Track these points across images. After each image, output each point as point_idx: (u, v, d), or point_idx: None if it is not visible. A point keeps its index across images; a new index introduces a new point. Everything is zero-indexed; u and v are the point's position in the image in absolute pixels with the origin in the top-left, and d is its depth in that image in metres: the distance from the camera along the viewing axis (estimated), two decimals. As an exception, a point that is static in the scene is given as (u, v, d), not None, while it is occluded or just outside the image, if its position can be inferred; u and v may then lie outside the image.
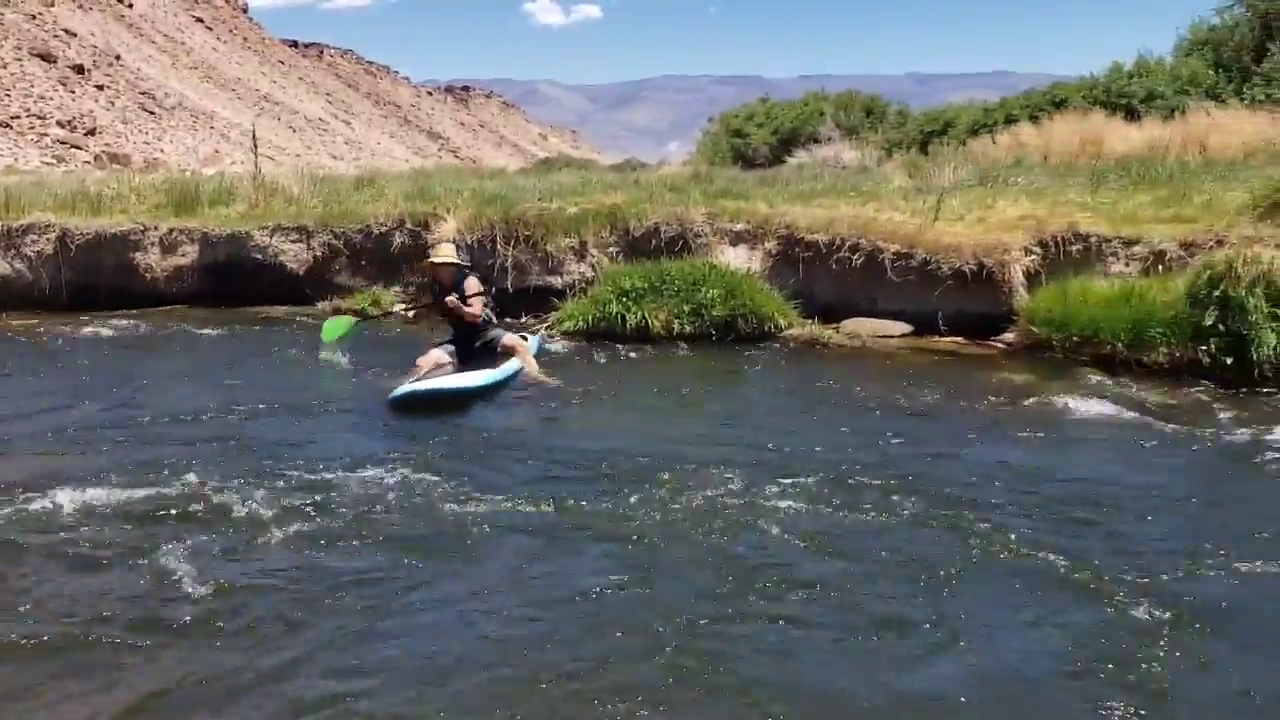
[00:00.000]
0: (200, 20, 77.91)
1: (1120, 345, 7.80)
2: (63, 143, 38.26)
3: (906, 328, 9.49)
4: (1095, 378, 7.47)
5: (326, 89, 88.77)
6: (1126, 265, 9.05)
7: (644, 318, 9.14)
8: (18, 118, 39.07)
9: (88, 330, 9.58)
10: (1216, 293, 7.45)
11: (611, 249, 10.62)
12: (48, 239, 11.34)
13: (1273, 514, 4.75)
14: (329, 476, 5.02)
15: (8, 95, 40.40)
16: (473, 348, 7.54)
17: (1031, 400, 6.94)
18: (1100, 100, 18.40)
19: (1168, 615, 3.62)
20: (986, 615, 3.68)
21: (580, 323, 9.35)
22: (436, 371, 7.14)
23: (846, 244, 9.81)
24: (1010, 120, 19.52)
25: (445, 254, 7.66)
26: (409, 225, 11.30)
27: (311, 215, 11.71)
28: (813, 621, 3.61)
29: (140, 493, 4.71)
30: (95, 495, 4.64)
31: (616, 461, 5.37)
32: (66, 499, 4.58)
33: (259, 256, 11.42)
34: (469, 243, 10.57)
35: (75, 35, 53.11)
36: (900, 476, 5.13)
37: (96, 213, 11.77)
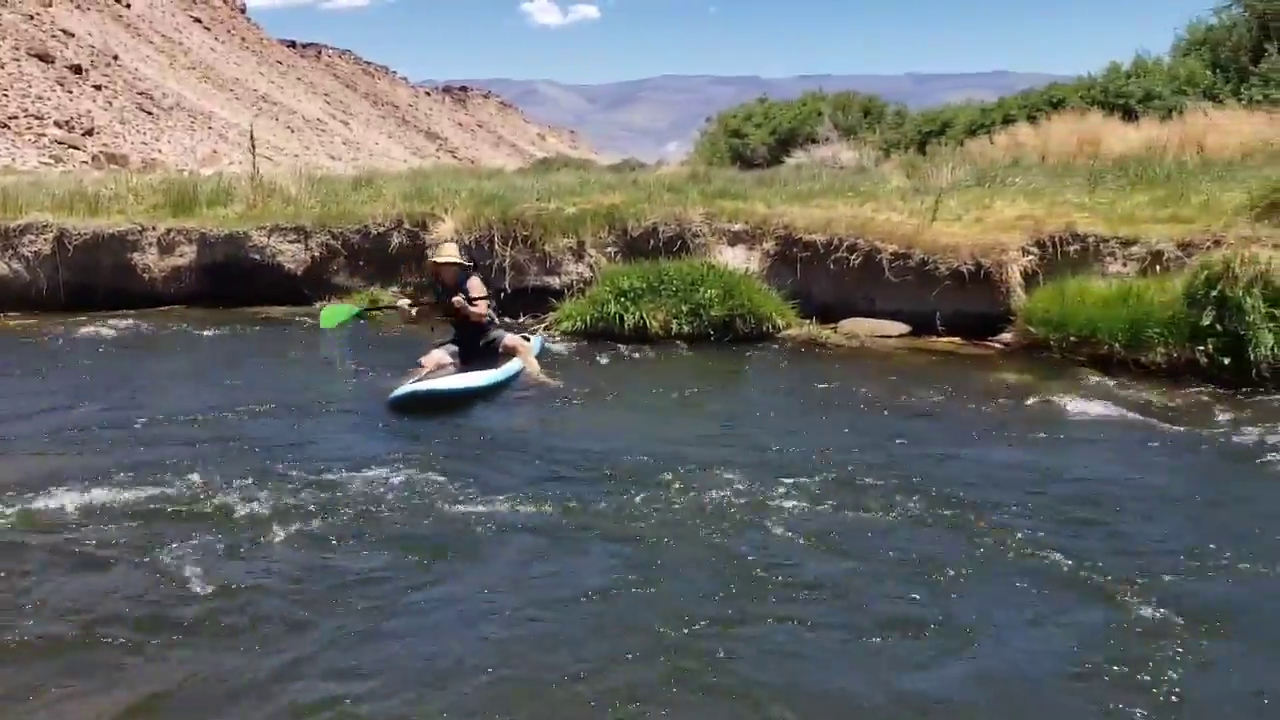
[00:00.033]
0: (198, 20, 77.81)
1: (1118, 345, 7.81)
2: (60, 143, 38.22)
3: (904, 328, 9.51)
4: (1093, 378, 7.48)
5: (324, 89, 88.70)
6: (1124, 265, 9.07)
7: (642, 318, 9.14)
8: (15, 118, 39.03)
9: (86, 330, 9.56)
10: (1214, 293, 7.46)
11: (609, 249, 10.64)
12: (45, 239, 11.34)
13: (1273, 513, 4.76)
14: (331, 477, 5.02)
15: (5, 95, 40.34)
16: (475, 348, 7.51)
17: (1030, 400, 6.95)
18: (1098, 100, 18.39)
19: (1171, 615, 3.62)
20: (989, 615, 3.68)
21: (578, 323, 9.36)
22: (438, 372, 7.13)
23: (844, 244, 9.83)
24: (1008, 120, 19.48)
25: (448, 254, 7.62)
26: (407, 225, 11.32)
27: (309, 215, 11.72)
28: (816, 622, 3.61)
29: (141, 493, 4.71)
30: (96, 495, 4.64)
31: (618, 462, 5.38)
32: (67, 499, 4.58)
33: (257, 257, 11.43)
34: (467, 243, 10.57)
35: (73, 35, 53.02)
36: (901, 476, 5.14)
37: (94, 213, 11.78)
